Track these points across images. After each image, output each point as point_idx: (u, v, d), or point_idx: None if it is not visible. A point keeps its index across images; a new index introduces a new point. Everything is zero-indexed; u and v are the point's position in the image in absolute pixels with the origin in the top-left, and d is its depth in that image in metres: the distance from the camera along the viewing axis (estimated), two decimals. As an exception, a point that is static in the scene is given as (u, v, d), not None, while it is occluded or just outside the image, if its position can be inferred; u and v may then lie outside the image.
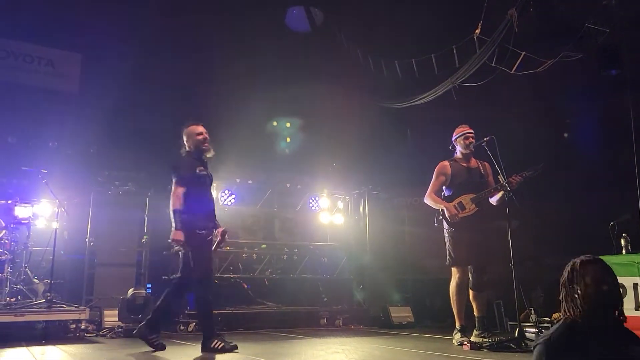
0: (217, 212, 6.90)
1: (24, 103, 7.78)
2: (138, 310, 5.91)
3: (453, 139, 5.01)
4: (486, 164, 4.93)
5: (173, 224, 4.10)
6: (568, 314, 1.94)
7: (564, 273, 2.01)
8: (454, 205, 4.77)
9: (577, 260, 2.00)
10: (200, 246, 4.22)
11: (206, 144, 4.49)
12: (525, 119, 7.59)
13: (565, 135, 7.77)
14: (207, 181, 4.51)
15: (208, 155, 4.56)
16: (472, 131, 4.92)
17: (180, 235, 4.05)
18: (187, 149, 4.53)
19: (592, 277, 1.92)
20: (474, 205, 4.77)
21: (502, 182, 4.55)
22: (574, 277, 1.95)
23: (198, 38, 8.09)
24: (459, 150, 4.98)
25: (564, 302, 1.97)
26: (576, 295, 1.91)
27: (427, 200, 4.96)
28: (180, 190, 4.17)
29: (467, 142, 4.88)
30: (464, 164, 4.95)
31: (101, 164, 7.16)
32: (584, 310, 1.88)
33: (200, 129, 4.52)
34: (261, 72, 8.35)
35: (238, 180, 7.40)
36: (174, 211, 4.11)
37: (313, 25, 8.57)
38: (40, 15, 7.62)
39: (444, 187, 4.99)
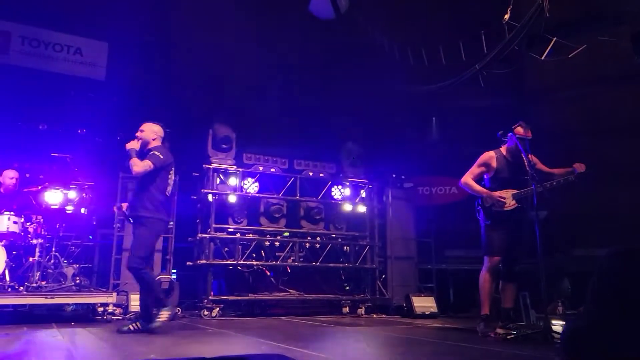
0: (240, 200, 7.04)
1: (54, 91, 7.95)
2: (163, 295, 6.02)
3: (500, 133, 4.87)
4: (533, 157, 4.77)
5: None
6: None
7: (628, 267, 1.86)
8: (497, 197, 4.72)
9: None
10: None
11: None
12: (555, 107, 7.40)
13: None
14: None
15: None
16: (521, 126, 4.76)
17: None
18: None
19: None
20: (514, 202, 4.72)
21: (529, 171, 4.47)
22: None
23: (223, 25, 8.08)
24: (508, 144, 4.86)
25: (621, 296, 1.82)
26: None
27: (466, 185, 4.92)
28: None
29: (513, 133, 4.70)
30: (511, 159, 4.85)
31: (127, 151, 7.25)
32: None
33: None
34: (285, 59, 8.32)
35: (261, 168, 7.42)
36: None
37: (337, 12, 8.47)
38: (68, 3, 7.72)
39: (485, 177, 4.94)
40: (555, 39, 5.77)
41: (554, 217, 6.48)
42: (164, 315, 4.54)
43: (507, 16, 5.91)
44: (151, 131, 4.91)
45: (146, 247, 4.63)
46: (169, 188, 4.84)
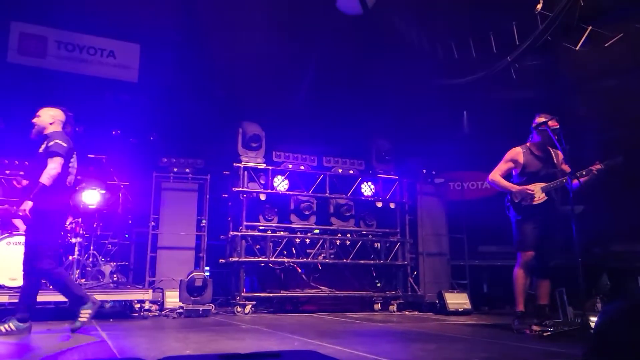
0: (271, 198, 7.12)
1: (89, 93, 8.17)
2: (197, 292, 6.15)
3: (533, 126, 4.79)
4: (559, 152, 4.71)
5: None
6: None
7: None
8: (526, 190, 4.66)
9: None
10: None
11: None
12: (591, 99, 7.18)
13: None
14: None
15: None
16: (554, 119, 4.68)
17: None
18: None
19: None
20: (543, 194, 4.66)
21: (560, 165, 4.38)
22: None
23: (253, 22, 8.14)
24: (535, 139, 4.80)
25: None
26: None
27: (493, 182, 4.92)
28: None
29: (547, 126, 4.61)
30: (538, 153, 4.80)
31: (161, 151, 7.42)
32: None
33: None
34: (315, 55, 8.32)
35: (291, 165, 7.47)
36: None
37: (365, 8, 8.43)
38: (100, 6, 7.90)
39: (513, 173, 4.88)
40: (590, 27, 5.60)
41: (591, 212, 6.30)
42: (85, 313, 4.30)
43: (539, 6, 5.77)
44: (48, 115, 4.51)
45: (53, 244, 4.34)
46: (71, 177, 4.44)
